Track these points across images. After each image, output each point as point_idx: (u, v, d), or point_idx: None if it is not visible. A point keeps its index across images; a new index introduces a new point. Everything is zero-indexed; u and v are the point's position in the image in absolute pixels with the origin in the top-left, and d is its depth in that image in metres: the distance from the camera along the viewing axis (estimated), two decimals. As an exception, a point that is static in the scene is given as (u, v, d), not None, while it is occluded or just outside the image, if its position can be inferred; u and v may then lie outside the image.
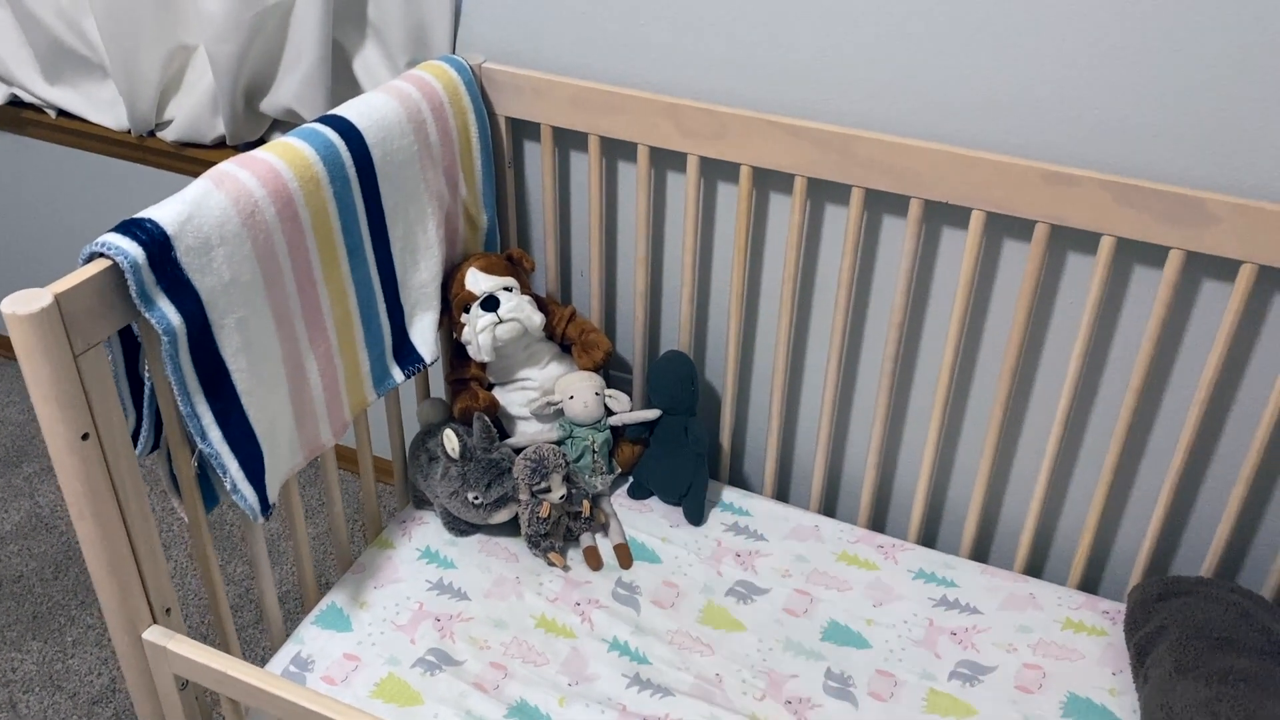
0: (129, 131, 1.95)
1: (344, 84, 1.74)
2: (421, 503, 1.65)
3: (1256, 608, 1.36)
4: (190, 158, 1.90)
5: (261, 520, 1.27)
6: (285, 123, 1.86)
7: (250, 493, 1.23)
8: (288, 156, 1.23)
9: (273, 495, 1.29)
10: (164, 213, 1.09)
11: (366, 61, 1.70)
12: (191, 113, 1.84)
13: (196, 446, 1.22)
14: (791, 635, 1.46)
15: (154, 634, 1.20)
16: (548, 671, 1.39)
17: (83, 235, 2.21)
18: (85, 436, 1.06)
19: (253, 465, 1.24)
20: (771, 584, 1.54)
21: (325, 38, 1.63)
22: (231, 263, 1.16)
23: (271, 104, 1.77)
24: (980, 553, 1.65)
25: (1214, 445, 1.43)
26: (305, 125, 1.30)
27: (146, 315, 1.07)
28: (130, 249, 1.05)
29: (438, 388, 1.96)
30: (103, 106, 1.97)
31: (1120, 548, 1.56)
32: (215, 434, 1.19)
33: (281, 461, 1.30)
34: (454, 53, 1.62)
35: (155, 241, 1.07)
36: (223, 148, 1.90)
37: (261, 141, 1.90)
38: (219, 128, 1.86)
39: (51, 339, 1.00)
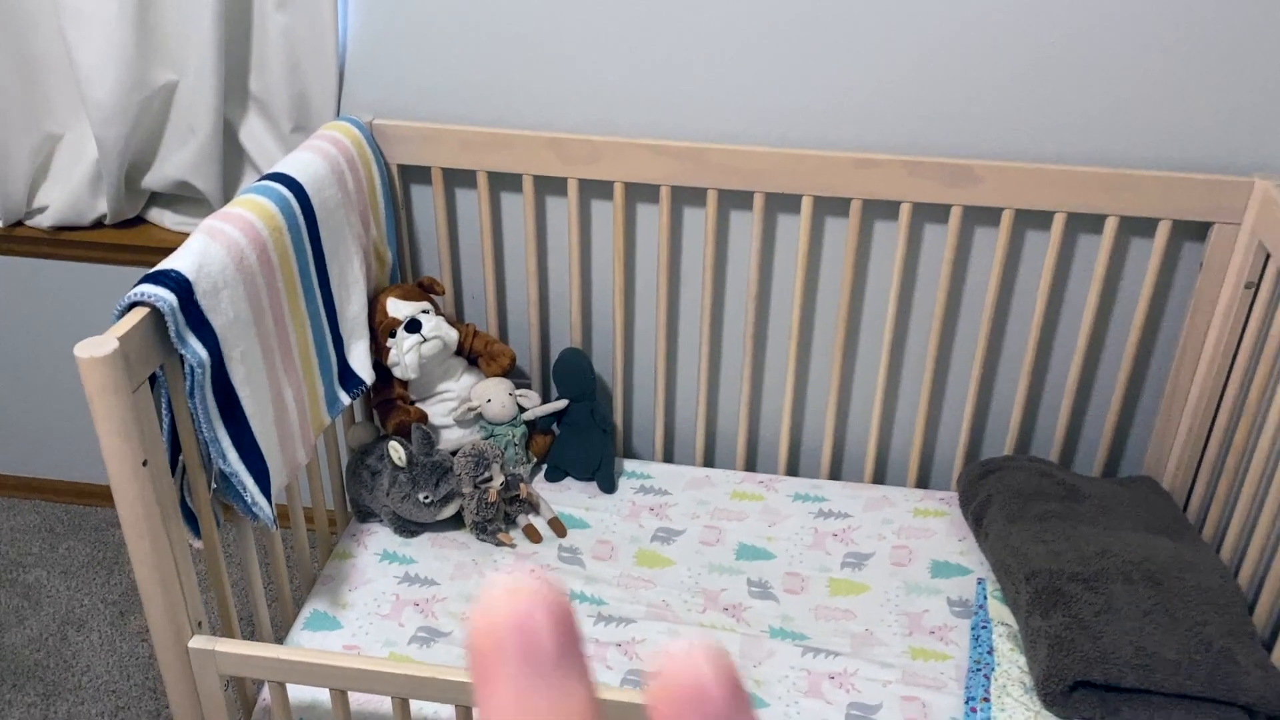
0: (-5, 222, 2.00)
1: (229, 154, 1.90)
2: (365, 516, 1.83)
3: (1050, 468, 1.80)
4: (67, 240, 1.99)
5: (275, 530, 1.43)
6: (164, 195, 1.99)
7: (266, 505, 1.40)
8: (256, 210, 1.42)
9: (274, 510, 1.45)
10: (181, 262, 1.26)
11: (252, 131, 1.88)
12: (70, 196, 1.93)
13: (213, 470, 1.37)
14: (712, 560, 1.76)
15: (199, 641, 1.34)
16: (526, 625, 1.62)
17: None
18: (145, 463, 1.22)
19: (263, 481, 1.41)
20: (685, 525, 1.84)
21: (218, 113, 1.80)
22: (234, 303, 1.33)
23: (158, 178, 1.90)
24: (835, 473, 2.03)
25: (1000, 353, 1.87)
26: (258, 183, 1.49)
27: (182, 351, 1.24)
28: (166, 295, 1.22)
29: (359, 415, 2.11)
30: (-40, 201, 2.01)
31: (941, 449, 1.97)
32: (233, 455, 1.35)
33: (277, 479, 1.47)
34: (338, 115, 1.83)
35: (181, 287, 1.24)
36: (100, 228, 1.99)
37: (139, 218, 2.01)
38: (98, 208, 1.96)
39: (118, 378, 1.16)
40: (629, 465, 1.97)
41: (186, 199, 1.98)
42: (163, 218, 2.00)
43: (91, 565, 2.19)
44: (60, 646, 2.00)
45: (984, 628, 1.57)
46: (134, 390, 1.19)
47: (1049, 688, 1.41)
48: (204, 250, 1.30)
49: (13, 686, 1.91)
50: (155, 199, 2.00)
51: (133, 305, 1.22)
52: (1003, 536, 1.66)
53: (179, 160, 1.86)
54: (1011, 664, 1.49)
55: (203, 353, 1.27)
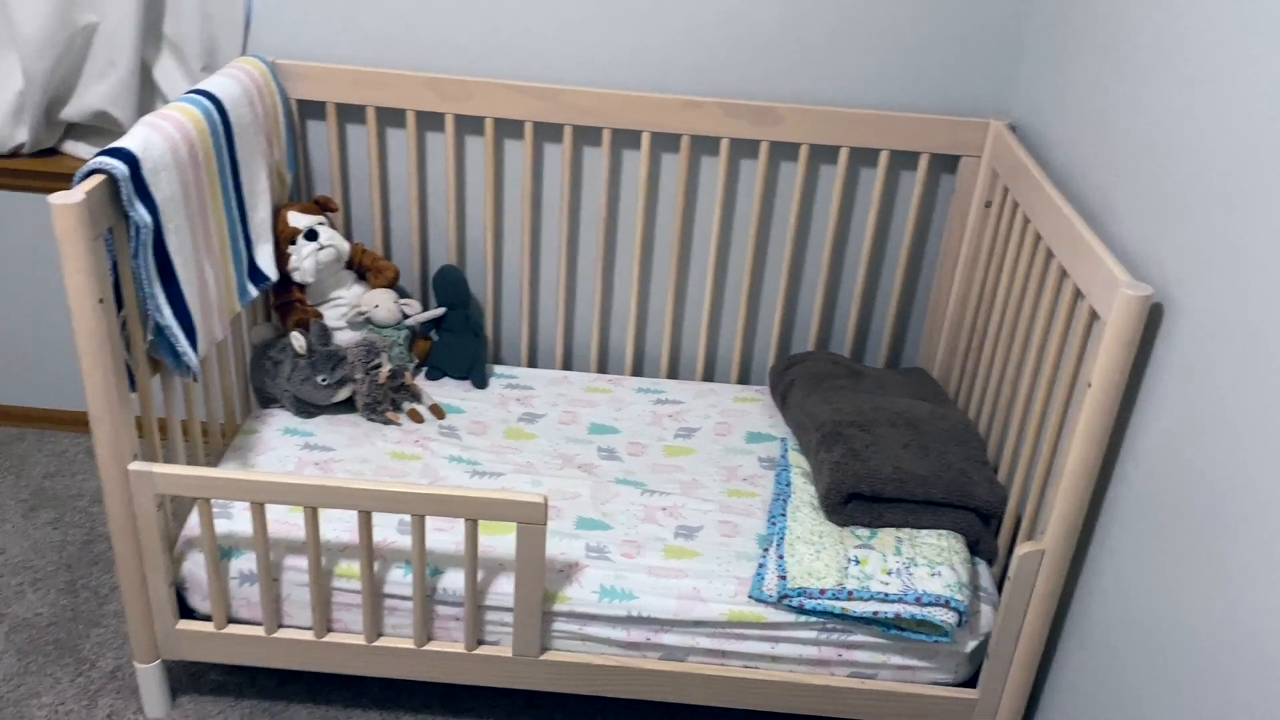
0: (-83, 150, 2.20)
1: (143, 92, 2.16)
2: (266, 402, 2.10)
3: (841, 359, 2.22)
4: (-14, 166, 2.20)
5: (198, 381, 1.71)
6: (79, 127, 2.23)
7: (193, 356, 1.68)
8: (187, 113, 1.71)
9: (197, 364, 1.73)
10: (130, 143, 1.54)
11: (165, 69, 2.14)
12: (-7, 124, 2.15)
13: (149, 324, 1.64)
14: (568, 435, 2.11)
15: (138, 465, 1.61)
16: (410, 479, 1.93)
17: None
18: (101, 301, 1.49)
19: (192, 339, 1.69)
20: (546, 410, 2.18)
21: (137, 50, 2.06)
22: (170, 183, 1.62)
23: (78, 110, 2.14)
24: (672, 373, 2.40)
25: (802, 268, 2.28)
26: (184, 95, 1.77)
27: (131, 213, 1.52)
28: (119, 165, 1.50)
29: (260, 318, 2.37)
30: (-119, 130, 2.20)
31: (757, 351, 2.37)
32: (167, 310, 1.63)
33: (202, 340, 1.75)
34: (244, 55, 2.11)
35: (131, 161, 1.52)
36: (17, 156, 2.21)
37: (54, 149, 2.24)
38: (17, 137, 2.18)
39: (84, 223, 1.43)
40: (498, 369, 2.30)
41: (101, 131, 2.22)
42: (77, 149, 2.24)
43: (-1, 472, 2.38)
44: (-25, 534, 2.19)
45: (784, 470, 1.96)
46: (94, 239, 1.47)
47: (829, 500, 1.80)
48: (147, 137, 1.58)
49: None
50: (70, 132, 2.24)
51: (90, 173, 1.50)
52: (800, 404, 2.06)
53: (99, 92, 2.11)
54: (804, 492, 1.88)
55: (147, 218, 1.55)
